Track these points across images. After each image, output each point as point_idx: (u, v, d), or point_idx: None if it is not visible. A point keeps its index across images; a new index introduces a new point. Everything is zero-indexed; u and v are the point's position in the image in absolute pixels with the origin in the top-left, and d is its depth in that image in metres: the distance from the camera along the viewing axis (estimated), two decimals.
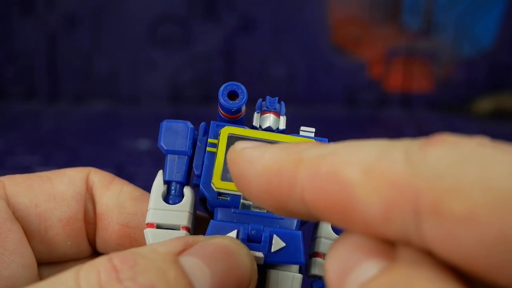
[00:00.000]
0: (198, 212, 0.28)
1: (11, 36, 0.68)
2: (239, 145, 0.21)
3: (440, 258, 0.18)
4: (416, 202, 0.17)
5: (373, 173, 0.18)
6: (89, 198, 0.28)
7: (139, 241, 0.27)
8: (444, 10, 0.70)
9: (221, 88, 0.26)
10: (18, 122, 0.68)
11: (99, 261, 0.21)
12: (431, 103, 0.71)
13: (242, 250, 0.23)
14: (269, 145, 0.21)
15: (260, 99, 0.28)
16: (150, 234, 0.26)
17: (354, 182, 0.18)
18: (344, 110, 0.72)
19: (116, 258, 0.21)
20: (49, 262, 0.28)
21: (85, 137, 0.66)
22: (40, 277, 0.28)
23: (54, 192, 0.27)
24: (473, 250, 0.17)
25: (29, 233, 0.27)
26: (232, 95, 0.27)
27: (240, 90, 0.26)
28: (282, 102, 0.28)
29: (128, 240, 0.28)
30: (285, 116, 0.28)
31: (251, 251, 0.24)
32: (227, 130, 0.26)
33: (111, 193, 0.28)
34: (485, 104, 0.73)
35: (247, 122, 0.28)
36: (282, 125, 0.28)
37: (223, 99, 0.26)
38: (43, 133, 0.66)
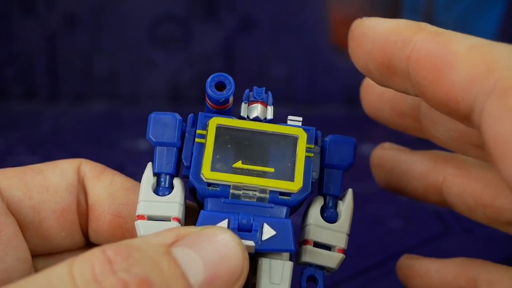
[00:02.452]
0: (188, 202, 0.28)
1: (11, 36, 0.68)
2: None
3: (483, 136, 0.22)
4: (494, 84, 0.22)
5: (475, 52, 0.23)
6: (81, 189, 0.29)
7: (131, 232, 0.27)
8: (444, 10, 0.70)
9: (209, 79, 0.27)
10: (18, 122, 0.68)
11: (93, 253, 0.21)
12: None
13: (233, 239, 0.23)
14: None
15: (247, 90, 0.28)
16: (141, 226, 0.26)
17: (458, 53, 0.23)
18: (344, 110, 0.72)
19: (109, 249, 0.21)
20: (44, 253, 0.28)
21: (85, 137, 0.66)
22: (35, 269, 0.28)
23: (47, 184, 0.28)
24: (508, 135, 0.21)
25: (23, 225, 0.27)
26: (220, 86, 0.27)
27: (227, 81, 0.27)
28: (269, 92, 0.28)
29: (120, 230, 0.28)
30: (272, 106, 0.28)
31: (242, 240, 0.24)
32: (215, 121, 0.27)
33: (103, 183, 0.28)
34: None
35: (234, 112, 0.28)
36: (269, 115, 0.28)
37: (210, 90, 0.27)
38: (43, 133, 0.67)
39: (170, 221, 0.26)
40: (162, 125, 0.27)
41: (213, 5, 0.68)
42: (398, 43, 0.25)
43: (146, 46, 0.69)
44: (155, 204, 0.26)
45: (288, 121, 0.28)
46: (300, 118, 0.28)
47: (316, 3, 0.69)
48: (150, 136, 0.27)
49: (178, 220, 0.26)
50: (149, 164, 0.27)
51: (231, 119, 0.27)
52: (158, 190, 0.27)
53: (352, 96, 0.72)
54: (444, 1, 0.69)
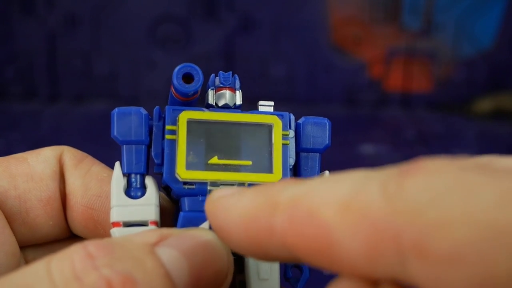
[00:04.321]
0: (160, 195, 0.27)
1: (11, 36, 0.68)
2: (215, 194, 0.20)
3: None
4: (398, 241, 0.16)
5: (349, 211, 0.17)
6: (61, 177, 0.27)
7: (103, 224, 0.26)
8: (444, 10, 0.69)
9: (175, 70, 0.24)
10: (18, 122, 0.68)
11: (73, 249, 0.20)
12: (431, 103, 0.71)
13: (217, 241, 0.22)
14: (245, 189, 0.20)
15: (213, 75, 0.26)
16: (117, 234, 0.24)
17: (331, 222, 0.17)
18: (344, 110, 0.71)
19: (91, 245, 0.20)
20: (33, 244, 0.28)
21: (85, 137, 0.66)
22: (25, 260, 0.27)
23: (31, 172, 0.27)
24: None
25: (10, 216, 0.26)
26: (188, 78, 0.25)
27: (195, 72, 0.25)
28: (236, 75, 0.26)
29: (92, 222, 0.27)
30: (240, 91, 0.26)
31: None
32: (185, 115, 0.25)
33: (78, 172, 0.27)
34: (485, 104, 0.73)
35: (201, 101, 0.26)
36: (238, 100, 0.26)
37: (178, 83, 0.25)
38: (43, 133, 0.66)
39: (147, 225, 0.24)
40: (128, 121, 0.25)
41: (213, 5, 0.68)
42: (262, 232, 0.19)
43: (146, 46, 0.69)
44: (130, 209, 0.24)
45: (260, 106, 0.26)
46: (272, 103, 0.26)
47: (316, 3, 0.69)
48: (116, 134, 0.25)
49: (155, 223, 0.24)
50: (117, 164, 0.25)
51: (201, 112, 0.25)
52: (130, 191, 0.25)
53: (352, 96, 0.72)
54: (444, 1, 0.69)
